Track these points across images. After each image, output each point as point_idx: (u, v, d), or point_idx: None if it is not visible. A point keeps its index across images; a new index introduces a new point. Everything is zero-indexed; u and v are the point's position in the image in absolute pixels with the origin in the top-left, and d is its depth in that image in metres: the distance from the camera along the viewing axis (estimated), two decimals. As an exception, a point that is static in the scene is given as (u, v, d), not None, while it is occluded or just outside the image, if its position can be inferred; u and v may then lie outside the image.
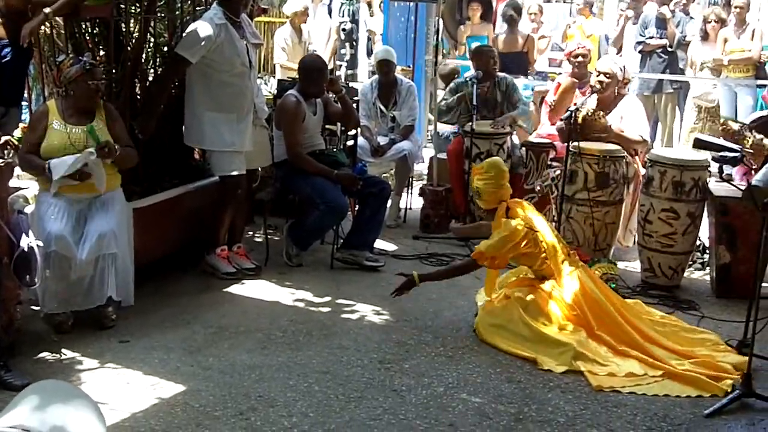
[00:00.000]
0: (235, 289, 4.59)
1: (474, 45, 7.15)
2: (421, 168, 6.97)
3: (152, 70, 4.89)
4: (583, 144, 5.06)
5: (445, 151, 6.08)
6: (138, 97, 4.71)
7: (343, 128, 5.66)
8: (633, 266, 5.21)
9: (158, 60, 4.90)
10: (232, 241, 4.85)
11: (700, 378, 3.55)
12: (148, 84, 4.77)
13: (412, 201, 6.34)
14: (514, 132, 6.08)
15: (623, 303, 4.07)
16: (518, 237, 3.93)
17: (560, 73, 7.10)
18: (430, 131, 8.28)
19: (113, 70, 4.45)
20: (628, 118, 5.34)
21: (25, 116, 4.94)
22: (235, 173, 4.61)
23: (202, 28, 4.41)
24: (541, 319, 3.91)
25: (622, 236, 5.40)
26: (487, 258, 3.97)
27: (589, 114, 5.18)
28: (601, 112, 5.27)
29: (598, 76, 5.36)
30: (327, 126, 5.54)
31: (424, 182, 6.53)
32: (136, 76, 4.67)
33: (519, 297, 4.03)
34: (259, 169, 5.33)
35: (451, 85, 6.26)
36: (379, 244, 5.35)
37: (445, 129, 6.75)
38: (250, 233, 5.57)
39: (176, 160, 4.89)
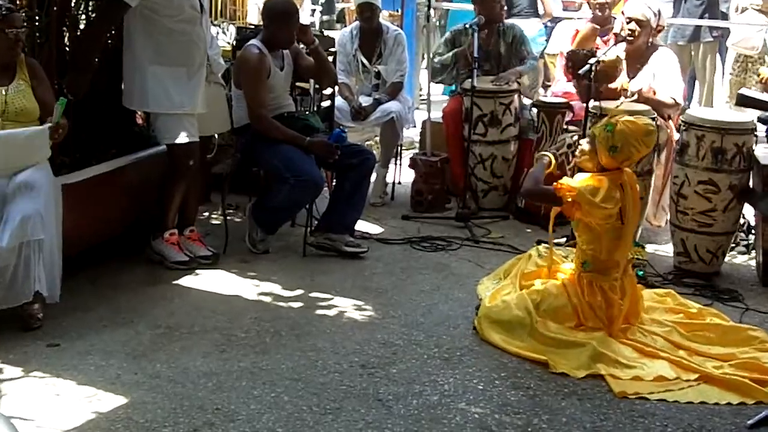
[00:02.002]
0: (187, 281, 4.59)
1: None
2: (411, 134, 6.97)
3: (83, 17, 4.85)
4: (605, 104, 5.07)
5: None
6: (66, 49, 4.67)
7: (316, 86, 5.64)
8: (664, 249, 5.24)
9: (90, 4, 4.85)
10: (183, 224, 4.84)
11: (744, 382, 3.59)
12: (78, 33, 4.73)
13: (401, 174, 6.34)
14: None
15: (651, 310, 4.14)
16: (611, 198, 3.85)
17: (579, 18, 7.10)
18: (422, 90, 8.28)
19: (36, 17, 4.41)
20: (661, 75, 5.36)
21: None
22: (185, 141, 4.60)
23: (142, -38, 4.38)
24: (555, 315, 3.94)
25: (651, 214, 5.43)
26: (571, 193, 3.83)
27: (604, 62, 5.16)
28: (615, 60, 5.25)
29: (628, 23, 5.35)
30: (297, 83, 5.54)
31: (416, 151, 6.53)
32: (64, 23, 4.63)
33: (531, 290, 4.06)
34: (215, 136, 5.32)
35: (447, 34, 6.25)
36: (362, 225, 5.36)
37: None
38: (206, 214, 5.56)
39: (114, 125, 4.87)
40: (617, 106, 4.91)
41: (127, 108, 4.76)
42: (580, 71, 5.20)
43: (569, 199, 3.87)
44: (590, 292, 3.95)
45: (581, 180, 3.95)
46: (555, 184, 3.92)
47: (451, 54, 5.96)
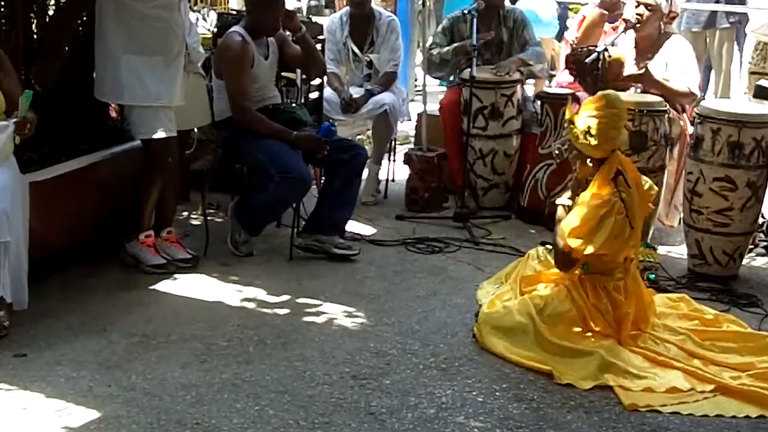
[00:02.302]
0: (164, 285, 4.59)
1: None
2: (406, 128, 6.97)
3: (52, 2, 4.85)
4: (614, 95, 5.07)
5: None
6: (34, 37, 4.67)
7: (304, 76, 5.64)
8: (678, 251, 5.26)
9: (60, -12, 4.87)
10: (160, 225, 4.84)
11: (763, 394, 3.60)
12: (46, 20, 4.72)
13: (395, 170, 6.34)
14: (531, 79, 6.10)
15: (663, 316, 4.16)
16: (610, 208, 3.88)
17: (585, 4, 7.12)
18: (418, 81, 8.28)
19: (1, 3, 4.40)
20: (674, 65, 5.38)
21: None
22: (162, 135, 4.60)
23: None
24: (560, 321, 3.95)
25: (664, 213, 5.44)
26: (589, 254, 3.88)
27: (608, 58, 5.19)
28: (620, 56, 5.27)
29: (637, 7, 5.37)
30: (283, 74, 5.53)
31: (411, 146, 6.53)
32: (31, 9, 4.63)
33: (534, 294, 4.07)
34: (195, 130, 5.31)
35: (444, 22, 6.25)
36: (352, 226, 5.37)
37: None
38: (185, 214, 5.56)
39: (85, 118, 4.86)
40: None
41: (100, 100, 4.75)
42: (587, 59, 5.22)
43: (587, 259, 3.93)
44: (594, 295, 3.97)
45: (577, 227, 3.92)
46: (563, 245, 3.94)
47: (451, 49, 5.97)
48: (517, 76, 5.88)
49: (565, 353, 3.83)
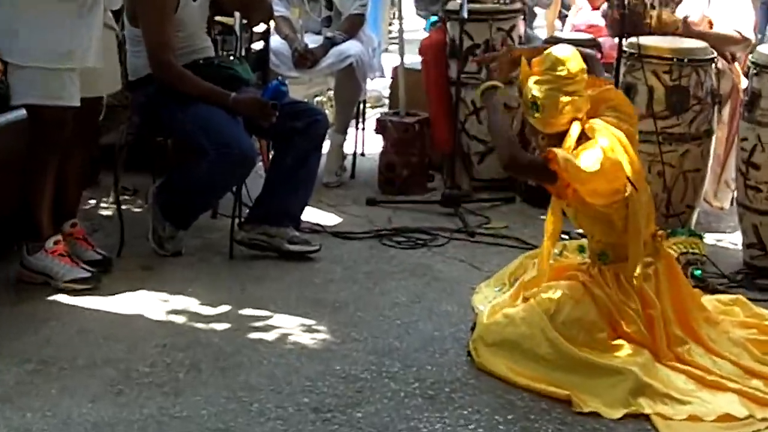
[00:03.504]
0: (66, 297, 4.57)
1: None
2: (378, 86, 6.97)
3: None
4: (645, 40, 5.08)
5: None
6: None
7: (244, 21, 5.63)
8: (731, 240, 5.31)
9: None
10: (61, 217, 4.81)
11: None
12: None
13: (365, 142, 6.33)
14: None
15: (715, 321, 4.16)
16: (614, 164, 3.89)
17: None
18: (392, 25, 8.26)
19: None
20: (719, 2, 5.42)
21: None
22: (61, 103, 4.53)
23: None
24: (580, 328, 3.95)
25: (711, 192, 5.46)
26: (564, 168, 3.86)
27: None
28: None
29: None
30: (217, 18, 5.53)
31: (385, 110, 6.53)
32: None
33: (542, 297, 4.06)
34: (104, 96, 5.25)
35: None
36: (310, 214, 5.38)
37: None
38: (92, 202, 5.57)
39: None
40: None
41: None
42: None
43: (560, 170, 3.89)
44: (620, 290, 3.99)
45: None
46: (547, 150, 3.94)
47: None
48: (517, 3, 5.87)
49: (588, 371, 3.82)
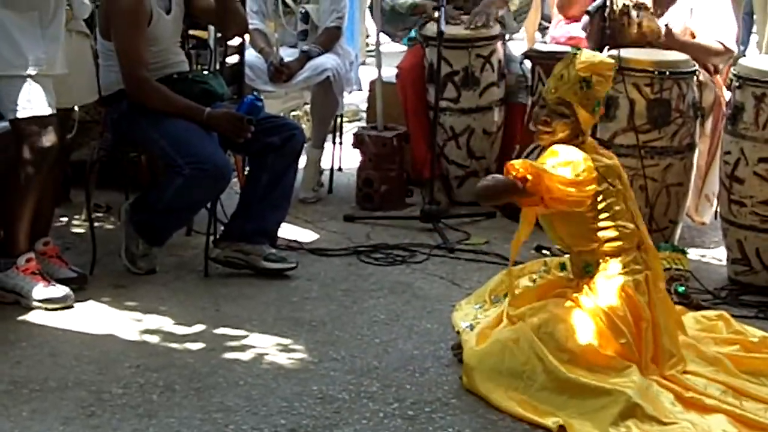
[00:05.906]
0: (37, 316, 4.56)
1: None
2: (355, 100, 6.98)
3: None
4: (626, 53, 5.08)
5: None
6: None
7: (219, 35, 5.62)
8: (714, 255, 5.31)
9: None
10: (34, 234, 4.78)
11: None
12: None
13: (343, 157, 6.32)
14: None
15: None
16: (587, 171, 3.90)
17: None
18: (370, 38, 8.24)
19: None
20: (701, 12, 5.41)
21: None
22: (39, 113, 4.52)
23: None
24: (568, 351, 3.91)
25: (694, 207, 5.46)
26: (532, 173, 3.86)
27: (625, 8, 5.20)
28: (648, 11, 5.29)
29: None
30: (191, 32, 5.53)
31: (362, 124, 6.51)
32: None
33: (531, 321, 4.02)
34: (76, 108, 5.22)
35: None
36: (287, 231, 5.38)
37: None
38: (64, 219, 5.54)
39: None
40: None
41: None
42: (590, 7, 5.23)
43: (528, 177, 3.86)
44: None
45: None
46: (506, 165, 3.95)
47: (409, 2, 6.02)
48: (496, 29, 5.86)
49: (579, 392, 3.79)
